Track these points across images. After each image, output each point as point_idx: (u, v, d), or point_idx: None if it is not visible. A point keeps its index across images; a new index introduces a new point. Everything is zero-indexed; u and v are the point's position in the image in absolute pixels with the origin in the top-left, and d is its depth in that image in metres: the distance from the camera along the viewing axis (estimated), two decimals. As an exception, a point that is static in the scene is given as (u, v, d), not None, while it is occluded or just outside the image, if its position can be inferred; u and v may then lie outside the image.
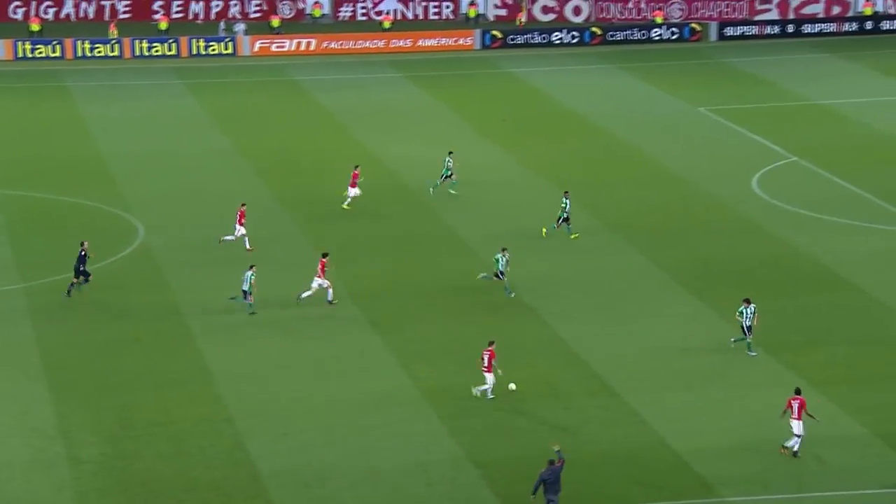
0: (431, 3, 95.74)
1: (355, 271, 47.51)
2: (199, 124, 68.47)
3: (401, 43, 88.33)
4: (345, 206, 53.59)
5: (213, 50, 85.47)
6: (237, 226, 49.31)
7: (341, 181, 56.20)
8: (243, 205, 50.04)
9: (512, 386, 38.03)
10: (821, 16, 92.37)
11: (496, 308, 44.33)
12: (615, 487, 33.32)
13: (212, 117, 69.73)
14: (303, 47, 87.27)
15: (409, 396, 38.04)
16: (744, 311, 40.37)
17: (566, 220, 50.19)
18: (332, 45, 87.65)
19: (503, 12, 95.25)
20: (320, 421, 36.80)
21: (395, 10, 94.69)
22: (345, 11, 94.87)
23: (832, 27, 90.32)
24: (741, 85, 76.94)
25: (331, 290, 44.36)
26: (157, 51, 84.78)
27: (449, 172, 55.71)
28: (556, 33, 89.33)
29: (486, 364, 37.87)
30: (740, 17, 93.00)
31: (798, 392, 35.03)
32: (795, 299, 44.05)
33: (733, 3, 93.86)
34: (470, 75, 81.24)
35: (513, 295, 44.35)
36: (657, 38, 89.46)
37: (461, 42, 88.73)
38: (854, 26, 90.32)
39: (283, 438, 35.84)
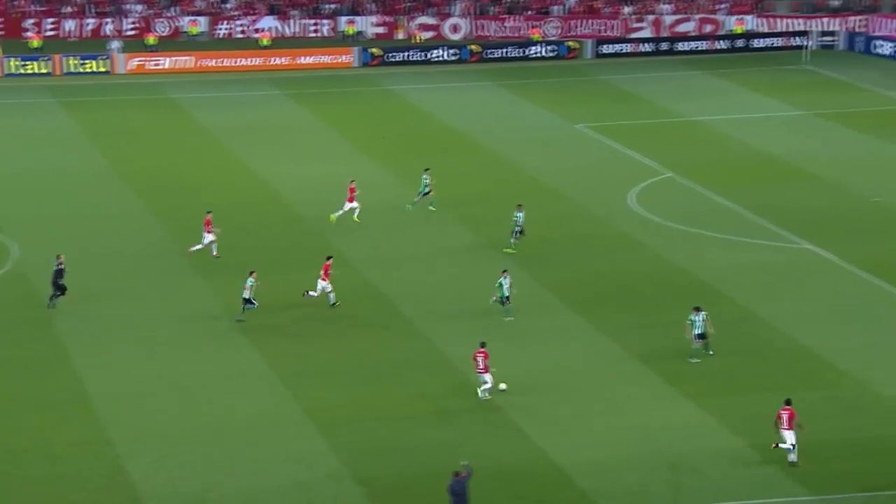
0: (310, 21, 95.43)
1: (236, 289, 47.01)
2: (75, 143, 67.39)
3: (279, 60, 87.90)
4: (355, 218, 53.72)
5: (88, 68, 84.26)
6: (204, 234, 49.50)
7: (221, 198, 55.61)
8: (209, 212, 50.17)
9: (503, 386, 38.45)
10: (693, 34, 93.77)
11: (380, 326, 44.12)
12: (499, 503, 33.28)
13: (88, 136, 68.68)
14: (180, 65, 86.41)
15: (291, 414, 37.69)
16: (694, 319, 40.69)
17: (520, 232, 50.31)
18: (210, 63, 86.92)
19: (382, 30, 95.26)
20: (201, 441, 36.28)
21: (273, 28, 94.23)
22: (222, 29, 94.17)
23: (704, 45, 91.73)
24: (617, 102, 77.74)
25: (332, 294, 45.00)
26: (30, 69, 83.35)
27: (427, 189, 55.52)
28: (435, 51, 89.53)
29: (481, 366, 38.21)
30: (615, 34, 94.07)
31: (788, 403, 35.02)
32: (673, 313, 44.42)
33: (608, 21, 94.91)
34: (349, 93, 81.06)
35: (510, 319, 43.69)
36: (535, 55, 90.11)
37: (340, 59, 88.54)
38: (726, 44, 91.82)
39: (163, 460, 35.27)
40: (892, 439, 35.80)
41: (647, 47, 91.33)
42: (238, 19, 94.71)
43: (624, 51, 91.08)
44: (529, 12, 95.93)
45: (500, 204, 56.73)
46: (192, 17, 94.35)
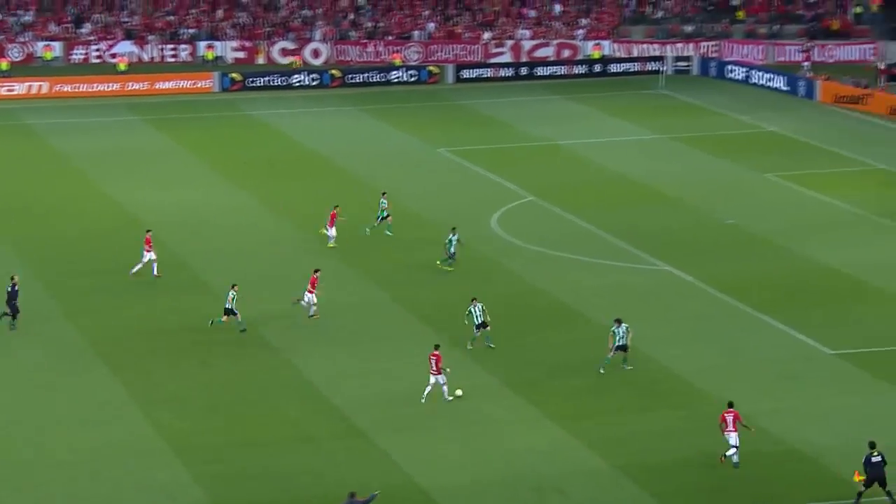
0: (168, 46, 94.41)
1: (95, 317, 46.21)
2: (-72, 169, 65.78)
3: (137, 86, 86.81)
4: (331, 244, 53.34)
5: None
6: (144, 252, 49.49)
7: (77, 224, 54.63)
8: (148, 231, 50.10)
9: (459, 392, 39.28)
10: (552, 59, 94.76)
11: (239, 350, 43.64)
12: (364, 529, 33.04)
13: (-59, 162, 67.08)
14: (34, 90, 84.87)
15: (153, 444, 37.03)
16: (615, 330, 41.20)
17: (452, 255, 50.67)
18: (66, 89, 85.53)
19: (242, 55, 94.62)
20: (60, 473, 35.46)
21: (131, 53, 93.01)
22: (78, 54, 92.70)
23: (563, 70, 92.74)
24: (478, 126, 78.19)
25: (315, 308, 45.64)
26: None
27: (385, 214, 55.17)
28: (296, 76, 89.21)
29: (434, 367, 38.95)
30: (475, 59, 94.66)
31: (731, 405, 35.91)
32: (535, 335, 44.69)
33: (469, 46, 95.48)
34: (210, 118, 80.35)
35: (469, 346, 43.21)
36: (396, 80, 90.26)
37: (200, 84, 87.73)
38: (583, 69, 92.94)
39: (17, 493, 34.38)
40: (752, 455, 36.35)
41: (507, 72, 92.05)
42: (94, 44, 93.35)
43: (484, 76, 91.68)
44: (390, 37, 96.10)
45: (362, 226, 56.55)
46: (47, 42, 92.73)
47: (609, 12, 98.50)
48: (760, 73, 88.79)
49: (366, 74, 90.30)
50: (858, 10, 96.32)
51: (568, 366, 42.30)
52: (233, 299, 44.82)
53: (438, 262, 51.24)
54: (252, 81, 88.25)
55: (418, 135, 75.31)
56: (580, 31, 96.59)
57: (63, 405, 39.59)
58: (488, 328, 43.36)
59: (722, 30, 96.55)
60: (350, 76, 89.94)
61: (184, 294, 48.79)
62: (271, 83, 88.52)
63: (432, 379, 39.43)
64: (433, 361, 39.38)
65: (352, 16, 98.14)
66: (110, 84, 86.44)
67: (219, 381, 41.14)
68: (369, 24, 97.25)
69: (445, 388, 39.41)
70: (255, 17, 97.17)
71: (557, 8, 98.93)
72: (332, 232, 54.09)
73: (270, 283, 49.93)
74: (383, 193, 56.59)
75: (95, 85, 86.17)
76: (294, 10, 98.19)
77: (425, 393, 39.47)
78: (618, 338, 41.46)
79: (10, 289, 45.00)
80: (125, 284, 49.73)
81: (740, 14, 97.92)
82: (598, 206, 60.45)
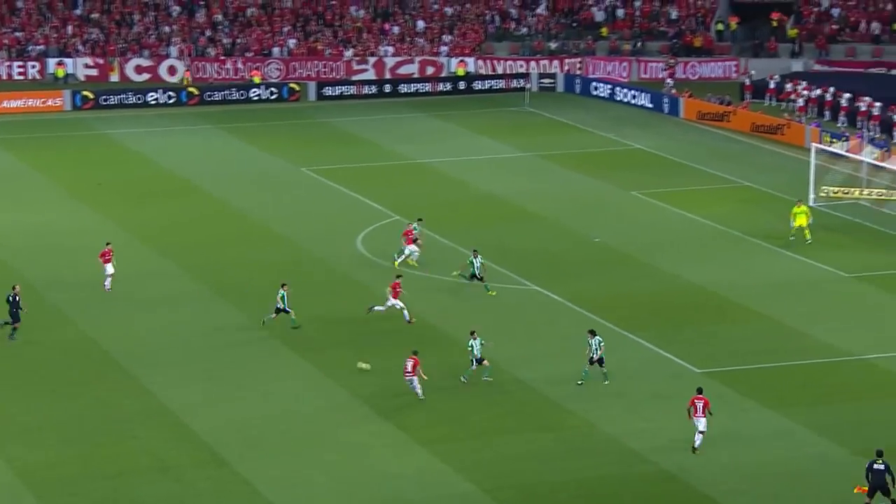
0: (16, 63, 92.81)
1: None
2: None
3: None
4: (412, 261, 53.54)
5: None
6: (106, 265, 50.07)
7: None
8: (108, 244, 50.70)
9: (366, 366, 42.79)
10: (416, 76, 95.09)
11: (95, 379, 42.98)
12: (228, 560, 32.73)
13: None
14: None
15: (5, 481, 36.23)
16: (591, 342, 42.11)
17: (480, 278, 50.44)
18: None
19: (94, 72, 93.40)
20: None
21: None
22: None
23: (427, 87, 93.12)
24: (342, 144, 78.10)
25: (406, 311, 47.55)
26: None
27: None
28: (152, 93, 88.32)
29: (409, 370, 40.76)
30: (338, 76, 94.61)
31: (700, 391, 37.95)
32: (399, 357, 44.70)
33: (330, 62, 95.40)
34: (61, 137, 79.17)
35: (488, 380, 42.86)
36: (256, 97, 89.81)
37: (50, 103, 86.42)
38: (448, 86, 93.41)
39: None
40: (622, 477, 36.76)
41: (370, 89, 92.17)
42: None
43: (347, 93, 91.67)
44: (249, 54, 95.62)
45: (226, 250, 56.13)
46: None
47: (473, 29, 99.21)
48: (625, 90, 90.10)
49: (225, 92, 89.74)
50: (720, 27, 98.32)
51: (434, 388, 42.35)
52: (283, 298, 46.51)
53: (455, 273, 51.44)
54: (105, 99, 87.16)
55: (280, 154, 74.99)
56: (444, 48, 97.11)
57: None
58: (486, 363, 42.91)
59: (586, 46, 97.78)
60: (208, 94, 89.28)
61: (33, 321, 47.89)
62: (125, 101, 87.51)
63: (407, 379, 41.11)
64: (409, 364, 41.02)
65: (209, 32, 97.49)
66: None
67: (72, 411, 40.44)
68: (227, 41, 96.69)
69: (419, 388, 41.17)
70: (107, 33, 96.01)
71: (421, 24, 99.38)
72: (410, 248, 53.77)
73: (128, 308, 49.25)
74: (419, 220, 55.89)
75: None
76: (149, 26, 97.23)
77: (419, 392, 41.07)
78: (593, 351, 42.37)
79: (11, 297, 45.50)
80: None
81: (604, 31, 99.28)
82: (465, 224, 60.73)
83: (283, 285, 47.29)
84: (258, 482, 36.30)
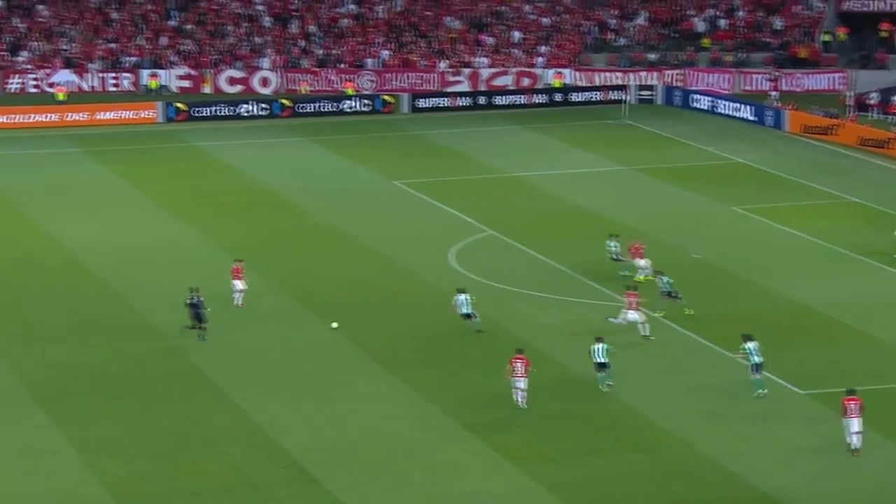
0: (109, 75, 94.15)
1: (33, 360, 45.86)
2: None
3: (77, 116, 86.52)
4: (642, 278, 53.06)
5: None
6: (235, 282, 50.72)
7: (8, 263, 54.26)
8: (240, 261, 51.59)
9: (334, 324, 46.57)
10: (511, 87, 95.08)
11: (185, 393, 43.38)
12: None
13: None
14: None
15: (95, 494, 36.68)
16: (748, 347, 42.69)
17: (675, 295, 50.33)
18: (1, 120, 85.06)
19: (187, 84, 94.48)
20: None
21: (70, 82, 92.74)
22: (14, 83, 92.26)
23: (522, 99, 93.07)
24: (435, 157, 78.28)
25: (647, 326, 47.35)
26: None
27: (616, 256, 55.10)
28: (244, 105, 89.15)
29: (521, 372, 41.49)
30: (432, 88, 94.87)
31: (852, 392, 38.75)
32: (495, 376, 44.63)
33: (424, 74, 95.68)
34: (153, 149, 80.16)
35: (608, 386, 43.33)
36: (349, 109, 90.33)
37: (143, 115, 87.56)
38: (544, 98, 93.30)
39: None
40: (723, 502, 36.39)
41: (465, 101, 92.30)
42: (31, 73, 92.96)
43: (441, 105, 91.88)
44: (342, 65, 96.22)
45: (315, 264, 56.45)
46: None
47: (570, 39, 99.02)
48: (726, 103, 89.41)
49: (317, 104, 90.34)
50: (826, 38, 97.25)
51: (529, 407, 42.18)
52: (467, 302, 47.86)
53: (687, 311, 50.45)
54: (198, 111, 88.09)
55: (373, 166, 75.32)
56: (540, 59, 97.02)
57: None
58: (608, 368, 43.34)
59: (686, 58, 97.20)
60: (300, 105, 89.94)
61: (124, 334, 48.46)
62: (218, 113, 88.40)
63: (514, 382, 41.62)
64: (518, 365, 41.42)
65: (302, 43, 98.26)
66: (48, 115, 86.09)
67: (162, 426, 40.83)
68: (320, 52, 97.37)
69: (523, 394, 41.67)
70: (200, 44, 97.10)
71: (517, 35, 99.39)
72: (643, 263, 53.71)
73: (224, 325, 49.69)
74: (615, 236, 56.06)
75: (32, 115, 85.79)
76: (242, 38, 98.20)
77: (519, 400, 41.54)
78: (752, 355, 42.58)
79: (192, 300, 47.15)
80: (64, 325, 49.37)
81: (705, 42, 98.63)
82: (560, 240, 60.55)
83: (461, 291, 48.45)
84: (348, 501, 36.38)
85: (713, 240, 60.68)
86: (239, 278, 51.19)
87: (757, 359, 42.70)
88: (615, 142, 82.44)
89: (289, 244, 59.94)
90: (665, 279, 50.82)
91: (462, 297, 48.14)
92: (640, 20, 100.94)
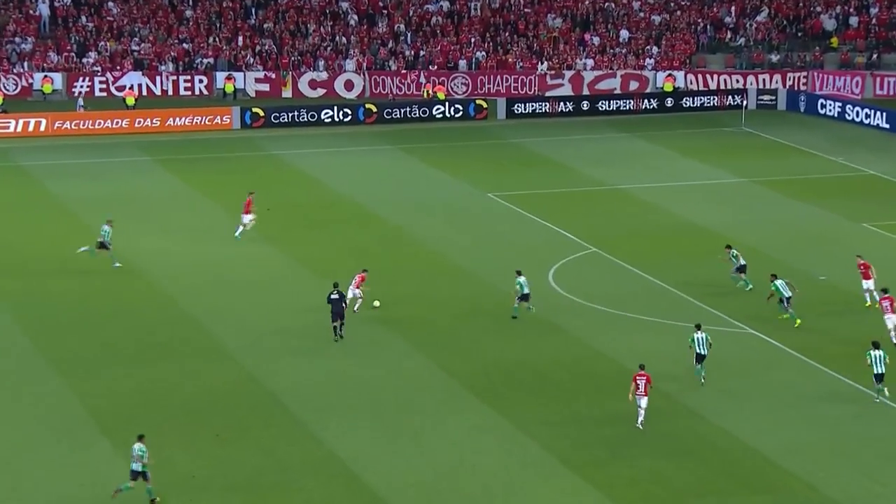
0: (182, 77, 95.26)
1: (99, 386, 46.49)
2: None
3: (148, 122, 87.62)
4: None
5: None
6: (354, 289, 53.31)
7: (74, 280, 55.02)
8: (365, 270, 54.24)
9: (376, 303, 50.49)
10: (617, 91, 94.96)
11: (260, 423, 43.76)
12: None
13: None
14: (31, 128, 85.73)
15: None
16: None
17: (787, 300, 52.33)
18: (67, 126, 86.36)
19: (265, 87, 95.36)
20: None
21: (140, 85, 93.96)
22: (81, 87, 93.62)
23: (630, 104, 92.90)
24: (533, 167, 78.33)
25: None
26: None
27: (740, 263, 55.99)
28: (326, 110, 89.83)
29: (643, 390, 42.57)
30: (530, 92, 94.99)
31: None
32: (597, 406, 44.55)
33: (522, 77, 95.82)
34: (229, 158, 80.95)
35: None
36: (439, 115, 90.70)
37: (218, 121, 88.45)
38: (653, 103, 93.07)
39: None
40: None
41: (566, 107, 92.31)
42: (99, 75, 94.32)
43: (539, 110, 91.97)
44: (433, 67, 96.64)
45: (402, 283, 56.70)
46: (46, 74, 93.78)
47: (683, 39, 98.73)
48: (857, 109, 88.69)
49: (405, 109, 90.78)
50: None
51: (634, 442, 42.11)
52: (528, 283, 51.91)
53: (786, 316, 52.43)
54: (276, 117, 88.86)
55: (465, 177, 75.51)
56: (650, 61, 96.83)
57: (66, 484, 39.71)
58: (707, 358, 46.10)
59: (813, 59, 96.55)
60: (387, 111, 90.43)
61: (197, 358, 49.01)
62: (298, 119, 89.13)
63: (642, 402, 42.65)
64: (641, 384, 42.66)
65: (390, 43, 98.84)
66: (117, 120, 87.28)
67: (237, 457, 41.23)
68: (409, 53, 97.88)
69: (643, 414, 42.73)
70: (280, 44, 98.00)
71: (624, 34, 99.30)
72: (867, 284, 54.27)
73: (295, 348, 50.07)
74: (728, 248, 56.96)
75: (100, 121, 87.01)
76: (324, 37, 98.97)
77: (639, 420, 42.69)
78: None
79: (334, 295, 50.06)
80: (132, 347, 50.01)
81: (834, 41, 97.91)
82: (670, 259, 60.35)
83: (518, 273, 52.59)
84: (435, 542, 36.51)
85: (841, 260, 60.14)
86: (358, 286, 53.20)
87: (879, 368, 44.46)
88: (732, 151, 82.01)
89: (375, 261, 60.25)
90: (782, 282, 52.35)
91: (522, 278, 52.50)
92: (761, 17, 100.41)
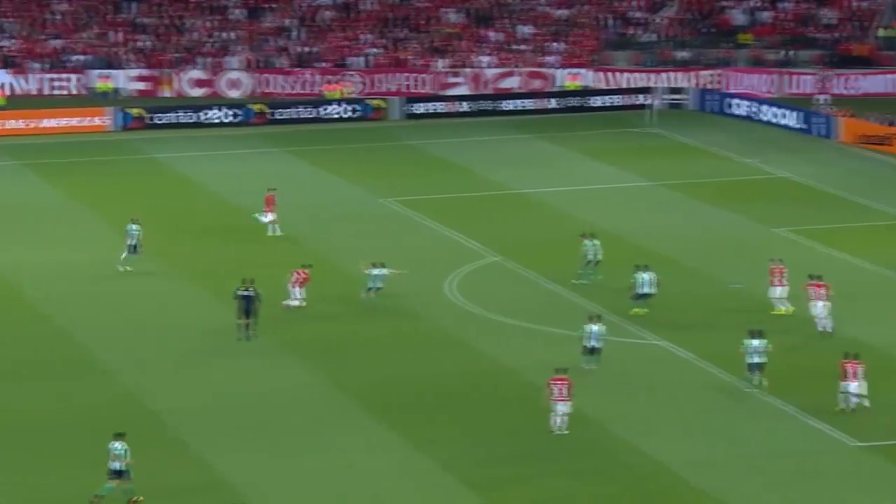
0: (53, 76, 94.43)
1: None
2: None
3: (16, 124, 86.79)
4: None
5: None
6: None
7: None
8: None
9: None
10: (519, 90, 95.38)
11: (144, 445, 43.41)
12: None
13: None
14: None
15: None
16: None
17: (641, 296, 54.08)
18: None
19: (144, 86, 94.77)
20: None
21: (8, 84, 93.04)
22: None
23: (532, 104, 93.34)
24: (431, 171, 78.51)
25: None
26: None
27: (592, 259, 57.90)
28: (210, 111, 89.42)
29: (566, 394, 43.35)
30: (427, 91, 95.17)
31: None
32: (500, 423, 44.68)
33: (419, 75, 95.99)
34: (105, 162, 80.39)
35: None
36: (332, 116, 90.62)
37: (92, 122, 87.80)
38: (557, 103, 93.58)
39: None
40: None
41: (465, 106, 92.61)
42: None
43: (438, 110, 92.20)
44: (324, 65, 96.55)
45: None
46: None
47: (588, 35, 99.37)
48: (770, 108, 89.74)
49: (295, 109, 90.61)
50: (886, 33, 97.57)
51: (542, 459, 42.28)
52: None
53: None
54: (156, 118, 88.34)
55: (359, 182, 75.50)
56: (553, 58, 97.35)
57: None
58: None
59: (723, 56, 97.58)
60: (276, 112, 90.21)
61: (71, 379, 48.54)
62: (180, 120, 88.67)
63: (555, 406, 43.26)
64: (560, 387, 43.26)
65: (278, 39, 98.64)
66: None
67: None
68: (299, 50, 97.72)
69: (564, 419, 43.47)
70: (160, 40, 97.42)
71: (526, 29, 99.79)
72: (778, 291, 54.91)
73: (178, 364, 49.79)
74: (588, 235, 58.76)
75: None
76: (208, 33, 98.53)
77: (555, 426, 43.26)
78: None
79: (244, 292, 51.03)
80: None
81: (745, 37, 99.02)
82: (577, 267, 60.67)
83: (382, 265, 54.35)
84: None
85: (754, 267, 60.80)
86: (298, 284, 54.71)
87: (757, 359, 46.56)
88: (640, 153, 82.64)
89: (264, 270, 59.92)
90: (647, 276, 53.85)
91: (376, 271, 54.28)
92: (669, 12, 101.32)
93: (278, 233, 64.65)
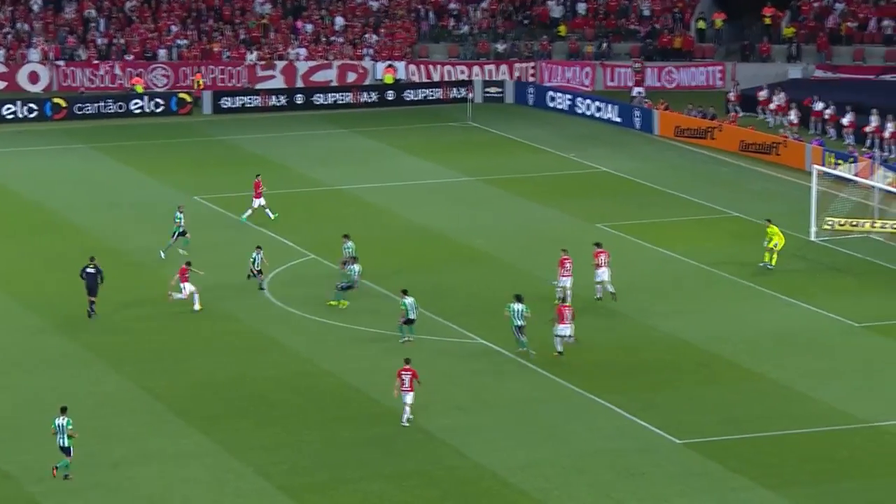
0: None
1: None
2: None
3: None
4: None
5: None
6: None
7: None
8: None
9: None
10: (334, 84, 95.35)
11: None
12: None
13: None
14: None
15: None
16: (514, 308, 49.90)
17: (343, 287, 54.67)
18: None
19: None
20: None
21: None
22: None
23: (348, 97, 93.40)
24: (244, 167, 78.01)
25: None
26: None
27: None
28: (8, 105, 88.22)
29: (407, 385, 44.25)
30: (238, 85, 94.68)
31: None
32: (318, 427, 44.70)
33: (230, 68, 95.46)
34: None
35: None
36: (138, 110, 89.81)
37: None
38: (373, 96, 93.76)
39: None
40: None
41: (279, 100, 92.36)
42: None
43: (250, 104, 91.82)
44: (129, 57, 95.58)
45: (101, 294, 55.96)
46: None
47: (404, 27, 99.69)
48: (588, 102, 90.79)
49: (99, 104, 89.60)
50: (701, 25, 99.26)
51: (361, 464, 42.37)
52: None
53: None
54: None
55: (167, 179, 74.91)
56: (368, 50, 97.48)
57: None
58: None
59: (541, 48, 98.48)
60: (78, 106, 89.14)
61: None
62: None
63: (407, 398, 44.23)
64: (406, 379, 44.11)
65: (79, 30, 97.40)
66: None
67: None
68: (102, 42, 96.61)
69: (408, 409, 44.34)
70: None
71: (340, 21, 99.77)
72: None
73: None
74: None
75: None
76: (4, 23, 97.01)
77: (404, 417, 44.18)
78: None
79: (91, 270, 53.18)
80: None
81: (562, 29, 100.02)
82: (395, 265, 60.86)
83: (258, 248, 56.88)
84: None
85: (574, 263, 61.52)
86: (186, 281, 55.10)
87: (519, 321, 49.54)
88: (459, 148, 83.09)
89: (67, 273, 59.18)
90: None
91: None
92: (485, 3, 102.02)
93: (273, 216, 66.10)
